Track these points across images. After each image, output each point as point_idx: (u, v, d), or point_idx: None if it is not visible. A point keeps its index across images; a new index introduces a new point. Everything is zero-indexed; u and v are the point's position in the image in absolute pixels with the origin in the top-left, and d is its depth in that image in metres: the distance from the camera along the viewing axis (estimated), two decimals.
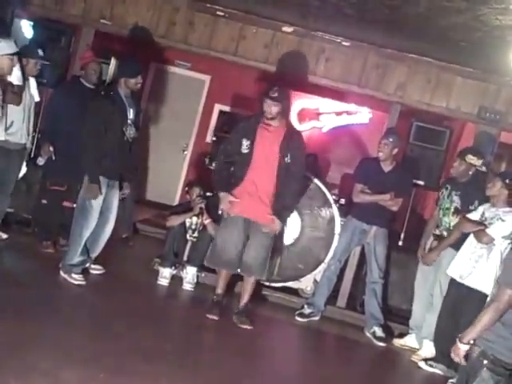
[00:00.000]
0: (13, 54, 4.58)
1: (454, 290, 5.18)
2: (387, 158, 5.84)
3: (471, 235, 5.09)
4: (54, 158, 5.85)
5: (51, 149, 5.83)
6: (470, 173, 5.51)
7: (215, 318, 5.24)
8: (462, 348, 3.24)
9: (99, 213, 5.28)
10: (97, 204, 5.21)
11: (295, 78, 6.79)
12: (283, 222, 5.35)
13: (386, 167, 5.88)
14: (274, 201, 5.22)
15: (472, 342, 3.23)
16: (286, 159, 5.18)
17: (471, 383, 3.24)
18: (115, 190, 5.39)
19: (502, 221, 4.93)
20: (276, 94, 5.13)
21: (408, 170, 6.08)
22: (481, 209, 5.19)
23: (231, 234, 5.27)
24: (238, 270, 5.42)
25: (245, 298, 5.39)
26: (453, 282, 5.18)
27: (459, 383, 3.45)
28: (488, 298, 3.49)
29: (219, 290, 5.41)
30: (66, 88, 6.05)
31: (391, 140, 5.81)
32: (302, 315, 5.98)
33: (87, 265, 5.45)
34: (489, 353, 3.17)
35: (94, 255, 5.49)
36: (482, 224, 5.05)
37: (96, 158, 5.11)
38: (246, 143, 5.21)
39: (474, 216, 5.20)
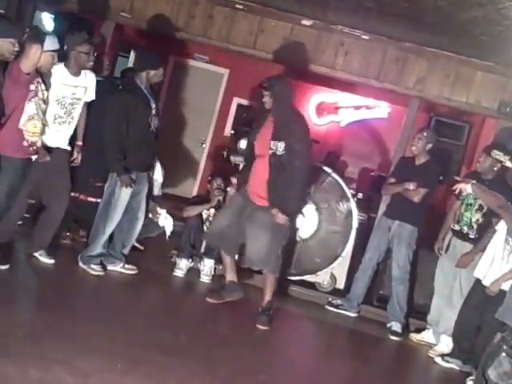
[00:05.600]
0: (54, 51, 4.67)
1: (479, 288, 5.07)
2: (420, 153, 5.81)
3: (494, 239, 5.01)
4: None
5: None
6: (495, 169, 5.42)
7: (211, 301, 5.28)
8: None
9: (130, 210, 5.32)
10: (122, 201, 5.24)
11: (314, 72, 6.77)
12: (286, 213, 5.00)
13: (419, 161, 5.86)
14: (268, 192, 5.03)
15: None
16: (277, 149, 4.97)
17: (489, 366, 3.26)
18: (143, 187, 5.41)
19: None
20: (266, 84, 5.04)
21: (438, 163, 5.96)
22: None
23: (225, 213, 5.31)
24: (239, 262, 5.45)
25: (266, 297, 5.23)
26: (479, 281, 5.09)
27: (480, 366, 3.48)
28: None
29: (228, 278, 5.40)
30: None
31: (425, 135, 5.80)
32: (330, 304, 6.10)
33: (121, 265, 5.45)
34: (509, 338, 3.19)
35: (126, 251, 5.51)
36: None
37: (120, 152, 5.12)
38: (250, 138, 5.26)
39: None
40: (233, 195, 5.41)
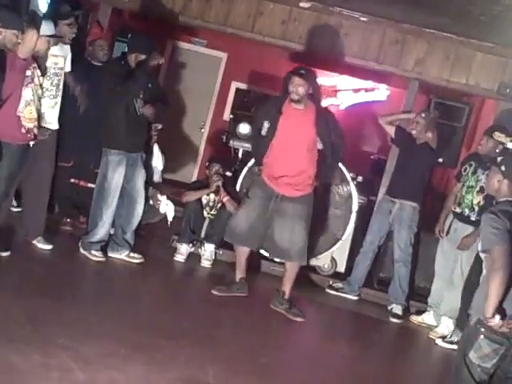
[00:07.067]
0: (50, 36, 4.65)
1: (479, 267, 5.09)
2: (420, 135, 5.83)
3: None
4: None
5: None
6: (497, 151, 5.40)
7: (217, 293, 5.19)
8: (494, 322, 3.19)
9: (126, 195, 5.31)
10: (115, 184, 5.22)
11: (313, 55, 6.74)
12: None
13: (419, 141, 5.86)
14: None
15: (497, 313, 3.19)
16: (319, 145, 5.01)
17: (469, 351, 3.26)
18: (139, 170, 5.38)
19: None
20: (303, 72, 4.91)
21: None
22: None
23: (249, 208, 5.14)
24: (267, 254, 5.47)
25: (288, 288, 5.19)
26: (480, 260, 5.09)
27: (459, 352, 3.46)
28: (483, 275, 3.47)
29: (239, 275, 5.28)
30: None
31: (423, 116, 5.82)
32: (331, 287, 6.14)
33: (126, 253, 5.41)
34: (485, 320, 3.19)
35: (128, 237, 5.44)
36: None
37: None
38: (266, 126, 5.01)
39: None
40: (250, 187, 5.20)
